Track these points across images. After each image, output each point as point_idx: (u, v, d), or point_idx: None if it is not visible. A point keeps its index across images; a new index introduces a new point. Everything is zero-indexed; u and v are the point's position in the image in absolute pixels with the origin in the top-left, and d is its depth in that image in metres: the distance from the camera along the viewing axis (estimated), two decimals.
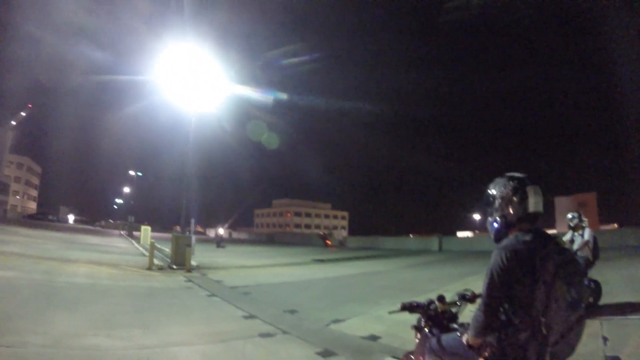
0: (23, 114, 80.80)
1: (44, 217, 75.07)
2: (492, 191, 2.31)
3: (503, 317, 2.02)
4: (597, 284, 7.13)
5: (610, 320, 3.32)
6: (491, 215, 2.32)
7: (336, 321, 7.10)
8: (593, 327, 5.24)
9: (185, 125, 18.76)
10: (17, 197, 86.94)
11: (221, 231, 36.86)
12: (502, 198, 2.23)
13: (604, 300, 7.11)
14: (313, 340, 5.81)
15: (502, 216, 2.23)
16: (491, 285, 2.01)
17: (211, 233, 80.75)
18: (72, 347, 4.86)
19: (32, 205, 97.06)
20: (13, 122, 77.39)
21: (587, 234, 7.39)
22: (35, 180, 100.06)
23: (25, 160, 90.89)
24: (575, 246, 7.33)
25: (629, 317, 5.98)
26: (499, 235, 2.24)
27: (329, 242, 33.80)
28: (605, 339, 2.85)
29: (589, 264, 7.18)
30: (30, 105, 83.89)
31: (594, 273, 7.28)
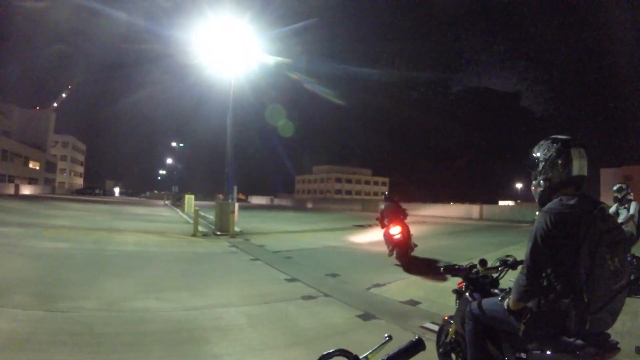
0: (64, 95, 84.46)
1: (91, 191, 79.30)
2: (537, 154, 2.26)
3: (545, 283, 2.01)
4: None
5: None
6: (535, 178, 2.28)
7: (376, 285, 7.19)
8: (632, 306, 5.08)
9: (225, 94, 18.88)
10: (65, 174, 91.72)
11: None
12: (546, 160, 2.19)
13: None
14: (353, 303, 5.91)
15: (546, 179, 2.19)
16: (535, 249, 2.01)
17: (253, 200, 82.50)
18: (123, 310, 5.18)
19: (79, 181, 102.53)
20: (55, 104, 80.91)
21: (633, 207, 6.93)
22: (81, 157, 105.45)
23: (70, 139, 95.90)
24: (620, 219, 6.89)
25: None
26: (543, 199, 2.20)
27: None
28: None
29: (633, 239, 6.76)
30: (70, 87, 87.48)
31: (637, 250, 6.85)
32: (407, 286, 7.21)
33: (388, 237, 9.56)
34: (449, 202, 55.43)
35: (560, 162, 2.13)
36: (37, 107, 78.76)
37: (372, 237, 15.38)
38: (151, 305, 5.46)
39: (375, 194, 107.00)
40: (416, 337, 1.23)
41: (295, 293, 6.51)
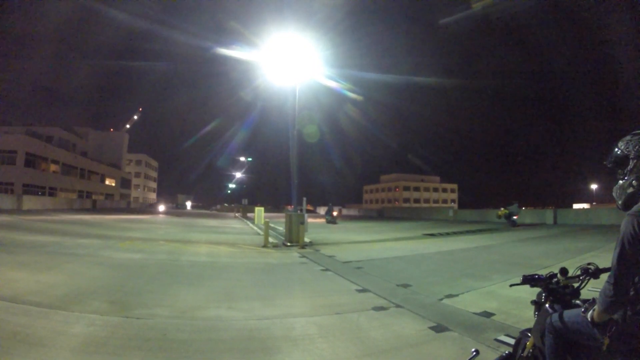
0: (135, 117, 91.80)
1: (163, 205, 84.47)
2: (625, 150, 2.08)
3: (631, 293, 1.87)
4: None
5: None
6: (623, 178, 2.09)
7: (449, 296, 7.00)
8: None
9: (290, 109, 19.30)
10: (139, 189, 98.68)
11: (332, 209, 37.91)
12: (639, 158, 2.01)
13: None
14: (426, 314, 5.79)
15: (638, 178, 2.00)
16: (622, 256, 1.89)
17: (321, 211, 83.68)
18: (196, 318, 5.38)
19: (152, 196, 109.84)
20: (127, 126, 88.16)
21: None
22: (153, 174, 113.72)
23: (143, 157, 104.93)
24: None
25: None
26: (631, 201, 2.02)
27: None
28: None
29: None
30: (141, 109, 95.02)
31: None
32: (480, 297, 6.96)
33: None
34: (520, 207, 53.24)
35: None
36: (112, 129, 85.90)
37: (442, 246, 14.98)
38: (223, 314, 5.64)
39: (445, 201, 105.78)
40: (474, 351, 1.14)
41: (366, 304, 6.46)
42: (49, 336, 4.29)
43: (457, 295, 7.08)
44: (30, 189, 44.47)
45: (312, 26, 19.76)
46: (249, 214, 46.62)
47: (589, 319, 2.06)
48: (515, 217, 27.99)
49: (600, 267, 2.49)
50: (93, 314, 5.15)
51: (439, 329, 5.09)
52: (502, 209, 30.15)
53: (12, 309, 5.13)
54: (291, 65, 18.38)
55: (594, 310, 2.04)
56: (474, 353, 2.73)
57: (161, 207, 63.55)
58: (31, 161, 45.93)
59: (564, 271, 2.63)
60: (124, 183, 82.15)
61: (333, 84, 22.16)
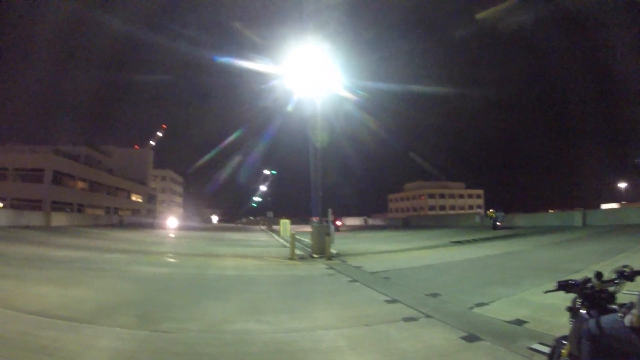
0: (160, 134, 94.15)
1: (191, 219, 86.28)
2: None
3: None
4: None
5: None
6: None
7: (479, 304, 6.85)
8: None
9: (309, 120, 19.35)
10: (164, 204, 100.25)
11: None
12: None
13: None
14: (456, 324, 5.67)
15: None
16: None
17: (347, 221, 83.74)
18: (225, 332, 5.38)
19: (178, 211, 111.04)
20: (152, 142, 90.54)
21: None
22: (179, 189, 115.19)
23: (168, 172, 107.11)
24: None
25: None
26: None
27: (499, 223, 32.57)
28: None
29: None
30: (164, 126, 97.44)
31: None
32: (511, 304, 6.81)
33: None
34: (547, 210, 52.38)
35: None
36: (136, 146, 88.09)
37: (469, 253, 14.76)
38: (252, 327, 5.61)
39: (470, 207, 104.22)
40: None
41: (395, 314, 6.37)
42: (78, 350, 4.35)
43: (487, 303, 6.93)
44: (59, 206, 45.92)
45: (332, 38, 19.84)
46: (274, 227, 46.84)
47: (628, 324, 1.95)
48: (498, 223, 31.21)
49: (635, 269, 2.39)
50: (121, 328, 5.20)
51: (470, 338, 4.99)
52: (492, 211, 33.48)
53: (41, 323, 5.21)
54: (311, 77, 18.46)
55: (632, 314, 1.93)
56: None
57: (171, 222, 56.58)
58: (59, 179, 47.66)
59: (599, 275, 2.53)
60: (150, 199, 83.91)
61: (352, 95, 22.15)
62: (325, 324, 5.85)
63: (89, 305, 6.41)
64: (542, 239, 19.89)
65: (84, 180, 53.83)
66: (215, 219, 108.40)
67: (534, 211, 47.13)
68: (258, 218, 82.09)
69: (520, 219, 36.26)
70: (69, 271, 10.05)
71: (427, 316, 6.18)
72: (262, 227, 55.17)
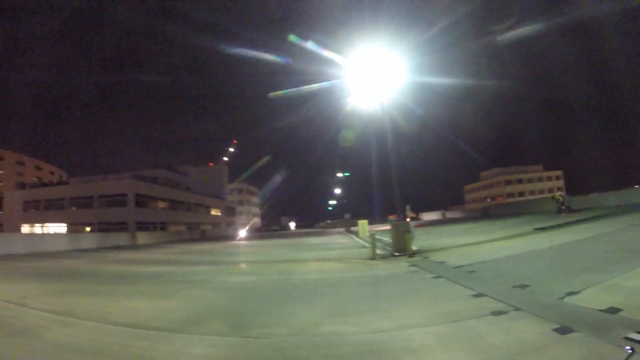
0: (231, 149, 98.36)
1: (269, 228, 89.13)
2: None
3: None
4: None
5: None
6: None
7: (570, 294, 6.40)
8: None
9: (379, 123, 19.15)
10: (243, 216, 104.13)
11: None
12: None
13: None
14: (547, 315, 5.34)
15: None
16: None
17: (425, 217, 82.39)
18: (313, 335, 5.40)
19: (257, 221, 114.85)
20: (225, 158, 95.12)
21: None
22: (255, 199, 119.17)
23: (243, 185, 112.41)
24: None
25: None
26: None
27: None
28: None
29: None
30: (235, 142, 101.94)
31: None
32: (603, 292, 6.33)
33: None
34: (634, 186, 48.18)
35: None
36: (211, 164, 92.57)
37: (554, 240, 13.87)
38: (339, 329, 5.59)
39: (550, 190, 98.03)
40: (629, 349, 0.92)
41: (483, 309, 6.10)
42: (171, 358, 4.57)
43: (578, 292, 6.49)
44: (143, 226, 50.00)
45: (399, 37, 19.46)
46: (352, 228, 46.95)
47: None
48: (563, 207, 29.68)
49: None
50: (212, 335, 5.38)
51: (562, 330, 4.69)
52: (559, 194, 32.75)
53: (135, 335, 5.52)
54: (379, 76, 18.24)
55: None
56: (629, 351, 2.40)
57: (250, 232, 61.08)
58: (141, 201, 52.17)
59: None
60: (229, 211, 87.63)
61: (424, 95, 21.74)
62: (413, 322, 5.71)
63: (180, 315, 6.70)
64: (630, 218, 18.41)
65: (163, 200, 58.32)
66: (292, 225, 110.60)
67: (620, 188, 43.47)
68: (336, 221, 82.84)
69: (610, 198, 33.73)
70: (158, 285, 10.64)
71: (516, 309, 5.89)
72: (341, 230, 55.45)
